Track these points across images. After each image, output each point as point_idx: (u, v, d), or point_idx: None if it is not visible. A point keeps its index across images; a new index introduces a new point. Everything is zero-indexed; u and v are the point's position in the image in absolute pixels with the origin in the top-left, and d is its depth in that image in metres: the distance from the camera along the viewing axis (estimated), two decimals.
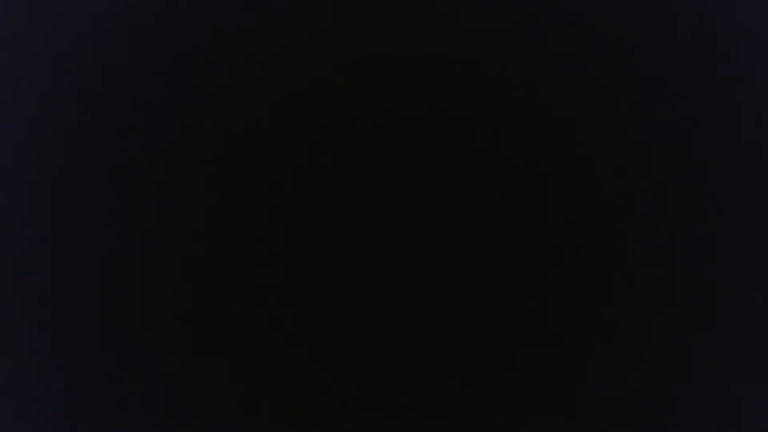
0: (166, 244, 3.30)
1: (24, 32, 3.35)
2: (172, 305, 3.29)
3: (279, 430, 3.27)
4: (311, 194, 3.32)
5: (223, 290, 3.30)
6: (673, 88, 3.34)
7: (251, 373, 3.28)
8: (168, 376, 3.27)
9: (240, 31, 3.35)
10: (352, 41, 3.34)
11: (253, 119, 3.33)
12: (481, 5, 3.33)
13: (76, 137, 3.33)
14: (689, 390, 3.27)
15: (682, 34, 3.34)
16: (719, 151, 3.32)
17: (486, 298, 3.29)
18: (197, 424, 3.27)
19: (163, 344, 3.28)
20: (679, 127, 3.33)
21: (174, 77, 3.34)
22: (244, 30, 3.35)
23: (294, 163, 3.32)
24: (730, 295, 3.29)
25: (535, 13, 3.32)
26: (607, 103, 3.33)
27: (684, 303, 3.29)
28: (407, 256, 3.31)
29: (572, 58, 3.33)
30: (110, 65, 3.35)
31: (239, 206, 3.31)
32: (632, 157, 3.32)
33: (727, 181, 3.32)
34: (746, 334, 3.28)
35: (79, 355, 3.29)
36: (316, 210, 3.32)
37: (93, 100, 3.34)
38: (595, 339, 3.27)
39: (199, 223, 3.31)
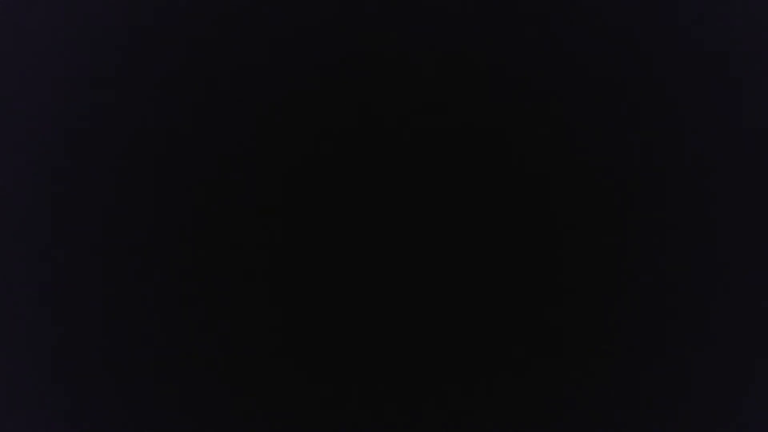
0: (167, 245, 3.31)
1: (24, 32, 3.35)
2: (172, 306, 3.29)
3: (278, 430, 3.28)
4: (312, 195, 3.32)
5: (224, 291, 3.30)
6: (674, 89, 3.35)
7: (251, 374, 3.28)
8: (168, 377, 3.28)
9: (240, 31, 3.35)
10: (351, 41, 3.34)
11: (253, 120, 3.33)
12: (481, 5, 3.33)
13: (76, 136, 3.33)
14: (689, 391, 3.27)
15: (683, 35, 3.34)
16: (719, 151, 3.33)
17: (487, 300, 3.30)
18: (197, 425, 3.27)
19: (164, 345, 3.29)
20: (679, 128, 3.33)
21: (174, 76, 3.34)
22: (245, 30, 3.35)
23: (294, 164, 3.33)
24: (730, 295, 3.29)
25: (537, 13, 3.33)
26: (608, 104, 3.33)
27: (684, 304, 3.30)
28: (408, 257, 3.31)
29: (573, 59, 3.34)
30: (111, 64, 3.35)
31: (240, 207, 3.31)
32: (632, 159, 3.32)
33: (728, 181, 3.32)
34: (746, 334, 3.28)
35: (78, 355, 3.29)
36: (316, 211, 3.32)
37: (93, 99, 3.34)
38: (594, 340, 3.28)
39: (200, 225, 3.31)
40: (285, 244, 3.31)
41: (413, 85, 3.35)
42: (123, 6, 3.36)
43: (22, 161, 3.33)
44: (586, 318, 3.28)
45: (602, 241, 3.30)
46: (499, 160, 3.32)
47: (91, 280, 3.30)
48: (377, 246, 3.32)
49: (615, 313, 3.29)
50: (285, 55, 3.35)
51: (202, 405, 3.28)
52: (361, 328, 3.30)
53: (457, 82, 3.34)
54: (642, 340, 3.28)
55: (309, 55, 3.35)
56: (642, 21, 3.35)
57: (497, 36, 3.33)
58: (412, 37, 3.35)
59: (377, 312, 3.30)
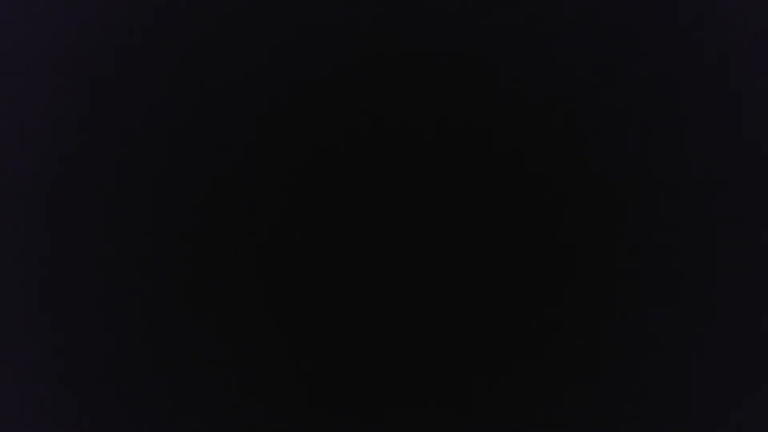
0: (167, 246, 3.31)
1: (24, 32, 3.36)
2: (171, 306, 3.29)
3: (277, 430, 3.28)
4: (312, 196, 3.32)
5: (224, 291, 3.30)
6: (674, 89, 3.35)
7: (250, 375, 3.28)
8: (167, 378, 3.28)
9: (241, 32, 3.35)
10: (351, 41, 3.34)
11: (253, 120, 3.33)
12: (481, 5, 3.33)
13: (76, 136, 3.34)
14: (688, 391, 3.27)
15: (682, 35, 3.34)
16: (719, 150, 3.33)
17: (487, 301, 3.30)
18: (197, 425, 3.28)
19: (163, 345, 3.29)
20: (679, 128, 3.34)
21: (174, 76, 3.34)
22: (245, 30, 3.35)
23: (294, 164, 3.33)
24: (730, 295, 3.29)
25: (537, 13, 3.33)
26: (608, 104, 3.33)
27: (683, 304, 3.30)
28: (408, 257, 3.31)
29: (573, 59, 3.34)
30: (113, 64, 3.35)
31: (240, 208, 3.31)
32: (632, 159, 3.33)
33: (727, 181, 3.32)
34: (746, 334, 3.28)
35: (78, 356, 3.29)
36: (316, 211, 3.32)
37: (93, 100, 3.34)
38: (594, 340, 3.28)
39: (200, 225, 3.31)
40: (285, 245, 3.32)
41: (413, 86, 3.35)
42: (123, 6, 3.36)
43: (22, 161, 3.33)
44: (585, 318, 3.28)
45: (602, 241, 3.30)
46: (499, 160, 3.32)
47: (91, 281, 3.31)
48: (378, 246, 3.32)
49: (614, 313, 3.29)
50: (285, 55, 3.35)
51: (201, 405, 3.28)
52: (361, 329, 3.30)
53: (456, 83, 3.34)
54: (642, 341, 3.28)
55: (309, 55, 3.35)
56: (642, 21, 3.35)
57: (497, 36, 3.33)
58: (411, 38, 3.35)
59: (378, 312, 3.31)
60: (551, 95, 3.33)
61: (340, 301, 3.31)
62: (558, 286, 3.29)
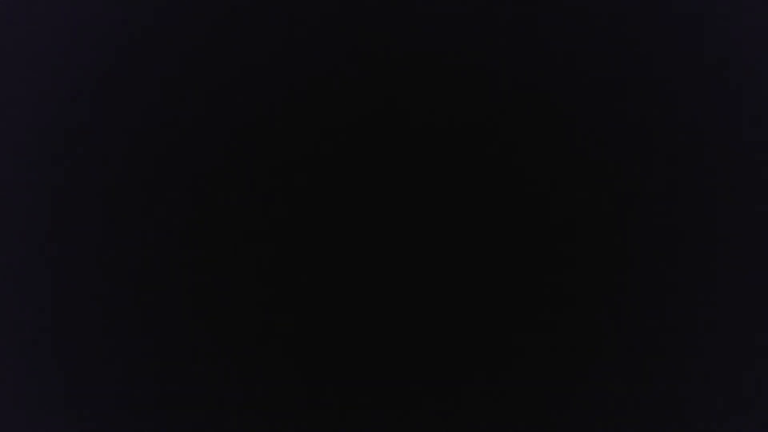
0: (166, 246, 3.31)
1: (24, 32, 3.36)
2: (170, 306, 3.29)
3: (276, 430, 3.28)
4: (312, 196, 3.32)
5: (224, 292, 3.30)
6: (674, 89, 3.35)
7: (249, 374, 3.28)
8: (167, 378, 3.28)
9: (240, 32, 3.35)
10: (350, 42, 3.34)
11: (253, 121, 3.33)
12: (481, 5, 3.33)
13: (76, 136, 3.34)
14: (688, 391, 3.27)
15: (682, 35, 3.34)
16: (719, 150, 3.33)
17: (486, 301, 3.30)
18: (196, 425, 3.28)
19: (164, 346, 3.29)
20: (679, 128, 3.34)
21: (174, 76, 3.34)
22: (245, 30, 3.35)
23: (294, 165, 3.33)
24: (729, 295, 3.29)
25: (536, 13, 3.33)
26: (607, 104, 3.33)
27: (684, 303, 3.30)
28: (408, 257, 3.31)
29: (572, 58, 3.34)
30: (112, 65, 3.35)
31: (240, 208, 3.31)
32: (631, 159, 3.33)
33: (727, 181, 3.32)
34: (746, 334, 3.28)
35: (78, 356, 3.29)
36: (315, 212, 3.32)
37: (93, 100, 3.34)
38: (593, 339, 3.28)
39: (201, 225, 3.31)
40: (285, 245, 3.32)
41: (413, 86, 3.35)
42: (123, 6, 3.36)
43: (22, 161, 3.33)
44: (584, 318, 3.28)
45: (601, 241, 3.30)
46: (498, 160, 3.32)
47: (91, 281, 3.31)
48: (380, 246, 3.32)
49: (614, 313, 3.29)
50: (284, 55, 3.35)
51: (202, 405, 3.28)
52: (361, 328, 3.30)
53: (456, 83, 3.34)
54: (641, 341, 3.28)
55: (308, 55, 3.35)
56: (642, 21, 3.35)
57: (497, 36, 3.33)
58: (411, 38, 3.35)
59: (379, 312, 3.31)
60: (551, 95, 3.33)
61: (340, 301, 3.31)
62: (558, 286, 3.29)
